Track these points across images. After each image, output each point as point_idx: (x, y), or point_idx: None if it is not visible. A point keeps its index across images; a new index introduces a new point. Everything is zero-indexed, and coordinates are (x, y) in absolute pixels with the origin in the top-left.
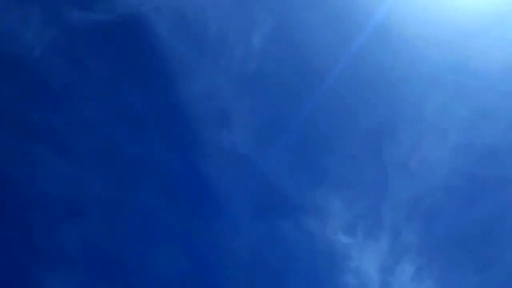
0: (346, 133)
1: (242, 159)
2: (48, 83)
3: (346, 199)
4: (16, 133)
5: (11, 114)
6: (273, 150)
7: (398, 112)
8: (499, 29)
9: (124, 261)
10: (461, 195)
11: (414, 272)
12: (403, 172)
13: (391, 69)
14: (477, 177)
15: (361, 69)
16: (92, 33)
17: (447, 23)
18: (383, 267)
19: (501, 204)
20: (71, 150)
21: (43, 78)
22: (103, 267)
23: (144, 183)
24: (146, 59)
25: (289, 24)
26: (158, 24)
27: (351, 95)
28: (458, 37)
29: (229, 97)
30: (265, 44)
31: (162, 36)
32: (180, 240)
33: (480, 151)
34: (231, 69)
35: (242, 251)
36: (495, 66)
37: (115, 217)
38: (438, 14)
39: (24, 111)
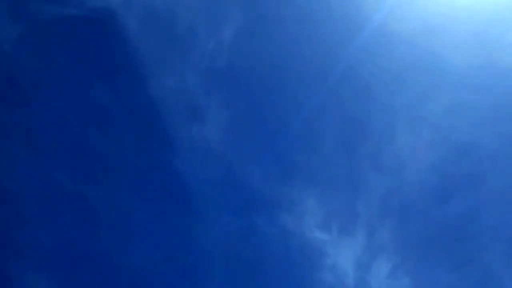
0: (319, 129)
1: (215, 155)
2: (17, 78)
3: (320, 195)
4: None
5: None
6: (245, 145)
7: (371, 108)
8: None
9: (97, 258)
10: (435, 192)
11: (390, 269)
12: (376, 168)
13: (363, 64)
14: (451, 174)
15: (335, 65)
16: (62, 28)
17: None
18: (359, 263)
19: (476, 202)
20: (41, 146)
21: (12, 73)
22: (76, 263)
23: (116, 179)
24: (116, 55)
25: (260, 19)
26: (128, 19)
27: (324, 90)
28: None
29: (200, 93)
30: (236, 38)
31: (132, 31)
32: (153, 236)
33: (454, 147)
34: (202, 64)
35: (216, 247)
36: (469, 62)
37: (87, 213)
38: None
39: None
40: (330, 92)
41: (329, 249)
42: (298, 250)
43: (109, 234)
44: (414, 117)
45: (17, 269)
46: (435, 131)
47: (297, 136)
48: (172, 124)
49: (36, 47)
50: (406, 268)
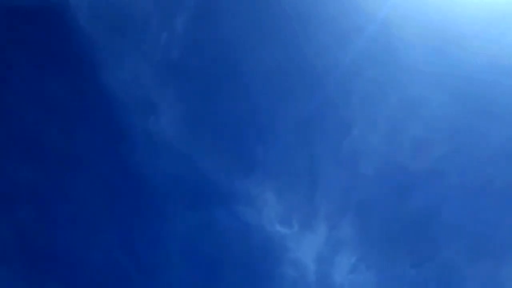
0: (276, 123)
1: (172, 149)
2: None
3: (279, 189)
4: None
5: None
6: (203, 139)
7: (327, 102)
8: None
9: (56, 253)
10: (394, 187)
11: (352, 264)
12: (334, 162)
13: (320, 58)
14: (408, 169)
15: (292, 58)
16: (12, 19)
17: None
18: (321, 258)
19: (435, 198)
20: None
21: None
22: (34, 259)
23: (71, 173)
24: (68, 47)
25: (213, 8)
26: (79, 10)
27: (281, 84)
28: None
29: (155, 85)
30: (189, 29)
31: (83, 22)
32: (111, 231)
33: (410, 143)
34: (155, 56)
35: (175, 241)
36: (425, 58)
37: (42, 210)
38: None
39: None
40: (287, 86)
41: (290, 243)
42: (259, 244)
43: (66, 229)
44: (370, 111)
45: None
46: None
47: (254, 130)
48: (127, 117)
49: None
50: (368, 263)
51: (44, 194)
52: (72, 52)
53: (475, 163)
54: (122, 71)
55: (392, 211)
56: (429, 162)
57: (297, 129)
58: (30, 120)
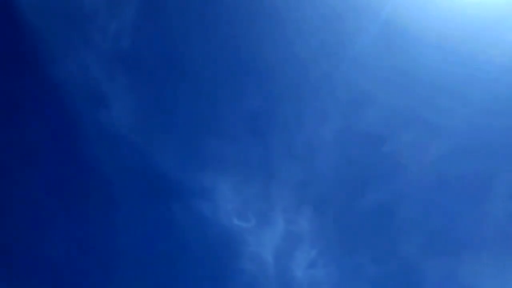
0: (229, 116)
1: (124, 141)
2: None
3: (234, 183)
4: None
5: None
6: (155, 131)
7: (279, 95)
8: None
9: (5, 248)
10: (350, 182)
11: (311, 259)
12: (288, 156)
13: (262, 50)
14: (364, 165)
15: (243, 50)
16: None
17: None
18: (279, 252)
19: (391, 194)
20: None
21: None
22: None
23: (22, 169)
24: (13, 39)
25: None
26: (24, 1)
27: (234, 77)
28: None
29: (104, 76)
30: (139, 17)
31: (28, 14)
32: (64, 226)
33: (365, 138)
34: (104, 46)
35: (130, 236)
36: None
37: None
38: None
39: None
40: (239, 79)
41: (248, 237)
42: (216, 238)
43: (15, 224)
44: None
45: None
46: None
47: (208, 123)
48: (77, 111)
49: None
50: (328, 257)
51: None
52: (17, 45)
53: (432, 158)
54: (71, 63)
55: (349, 206)
56: (386, 157)
57: (249, 123)
58: None
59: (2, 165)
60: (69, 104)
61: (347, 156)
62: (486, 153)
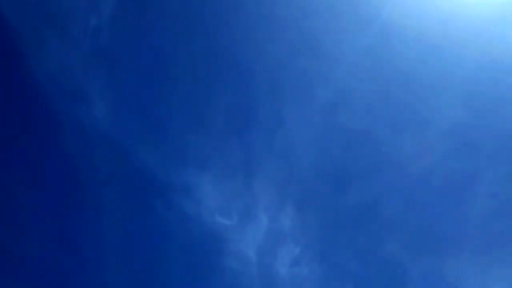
0: (209, 113)
1: (105, 139)
2: None
3: (216, 180)
4: None
5: None
6: (136, 128)
7: (259, 91)
8: None
9: None
10: (331, 179)
11: (295, 255)
12: (269, 153)
13: (248, 49)
14: (346, 162)
15: (223, 48)
16: None
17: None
18: (263, 250)
19: (374, 192)
20: None
21: None
22: None
23: (2, 166)
24: None
25: None
26: None
27: (214, 75)
28: None
29: (84, 73)
30: (117, 13)
31: (6, 11)
32: (45, 224)
33: (347, 136)
34: (83, 43)
35: (112, 233)
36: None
37: None
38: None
39: None
40: (219, 76)
41: (231, 235)
42: (199, 235)
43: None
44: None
45: None
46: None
47: (188, 120)
48: (57, 108)
49: None
50: (311, 255)
51: None
52: None
53: (416, 156)
54: (50, 60)
55: (332, 203)
56: (369, 155)
57: (230, 120)
58: None
59: None
60: (49, 101)
61: (329, 154)
62: (469, 152)
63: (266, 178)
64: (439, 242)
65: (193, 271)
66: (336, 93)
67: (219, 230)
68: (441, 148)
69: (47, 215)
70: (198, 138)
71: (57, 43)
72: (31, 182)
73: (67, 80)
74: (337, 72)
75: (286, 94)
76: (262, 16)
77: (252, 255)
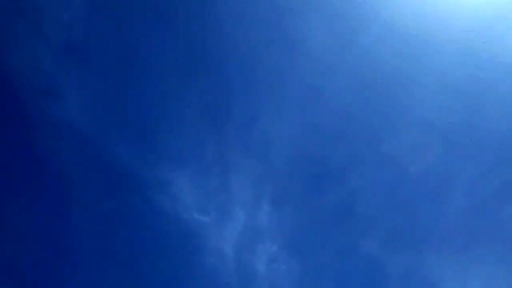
0: (183, 110)
1: (79, 135)
2: None
3: (192, 177)
4: None
5: None
6: (111, 125)
7: (234, 88)
8: None
9: None
10: (308, 176)
11: (273, 252)
12: (246, 149)
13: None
14: (322, 160)
15: (196, 43)
16: None
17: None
18: (240, 246)
19: (351, 189)
20: None
21: None
22: None
23: None
24: None
25: None
26: None
27: (187, 70)
28: None
29: (57, 68)
30: (91, 8)
31: None
32: (23, 222)
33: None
34: (56, 38)
35: (88, 229)
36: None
37: None
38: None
39: None
40: (193, 72)
41: (209, 231)
42: (177, 231)
43: None
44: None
45: None
46: None
47: (162, 116)
48: (30, 105)
49: None
50: (289, 251)
51: None
52: None
53: (393, 153)
54: (21, 55)
55: (308, 201)
56: (345, 152)
57: (205, 117)
58: None
59: None
60: (21, 97)
61: (306, 151)
62: (446, 150)
63: (243, 174)
64: (417, 239)
65: (171, 267)
66: (310, 90)
67: (196, 226)
68: (420, 146)
69: (23, 212)
70: (174, 134)
71: (29, 38)
72: (1, 178)
73: (39, 75)
74: (312, 69)
75: (261, 91)
76: (237, 13)
77: (229, 251)
